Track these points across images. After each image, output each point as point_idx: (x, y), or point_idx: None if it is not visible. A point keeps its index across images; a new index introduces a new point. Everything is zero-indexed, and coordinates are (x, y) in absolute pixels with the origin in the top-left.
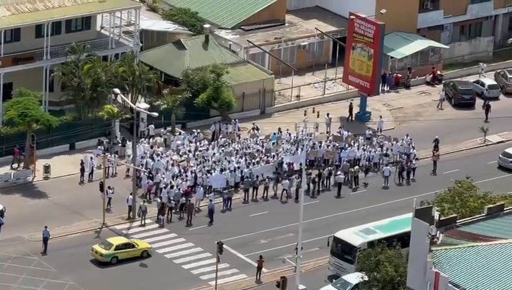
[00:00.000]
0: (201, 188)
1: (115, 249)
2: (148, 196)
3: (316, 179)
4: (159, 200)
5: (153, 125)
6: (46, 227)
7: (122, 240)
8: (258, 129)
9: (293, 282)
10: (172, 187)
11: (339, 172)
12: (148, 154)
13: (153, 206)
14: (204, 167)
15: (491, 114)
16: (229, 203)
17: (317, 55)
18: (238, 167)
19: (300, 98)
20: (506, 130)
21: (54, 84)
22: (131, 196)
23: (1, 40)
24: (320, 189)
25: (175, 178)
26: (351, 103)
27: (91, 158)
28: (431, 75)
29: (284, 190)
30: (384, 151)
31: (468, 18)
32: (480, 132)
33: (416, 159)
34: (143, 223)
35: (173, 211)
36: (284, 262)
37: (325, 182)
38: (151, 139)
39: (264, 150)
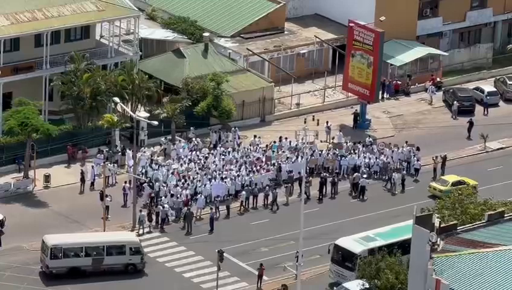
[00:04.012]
0: (202, 197)
1: (451, 185)
2: (150, 204)
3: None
4: (161, 208)
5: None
6: None
7: (455, 177)
8: (259, 138)
9: None
10: (172, 196)
11: (365, 175)
12: (147, 164)
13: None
14: (205, 174)
15: (488, 120)
16: (223, 211)
17: (317, 63)
18: (238, 175)
19: (300, 106)
20: (506, 137)
21: (54, 93)
22: (127, 185)
23: (0, 49)
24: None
25: (175, 187)
26: (355, 110)
27: (92, 167)
28: (430, 82)
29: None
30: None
31: (468, 25)
32: (480, 139)
33: (417, 159)
34: (142, 232)
35: (158, 215)
36: (285, 270)
37: (326, 189)
38: (151, 148)
39: (264, 158)
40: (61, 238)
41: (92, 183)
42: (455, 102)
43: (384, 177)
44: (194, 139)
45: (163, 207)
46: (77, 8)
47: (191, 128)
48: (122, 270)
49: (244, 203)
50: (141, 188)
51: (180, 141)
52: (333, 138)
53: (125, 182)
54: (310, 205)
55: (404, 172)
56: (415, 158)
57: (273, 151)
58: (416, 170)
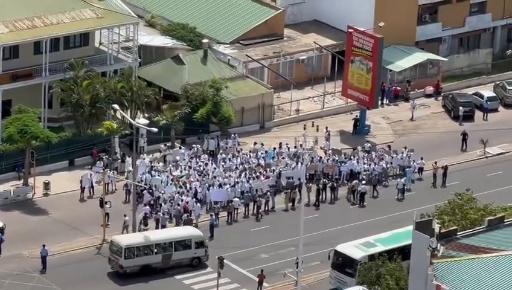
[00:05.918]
0: (198, 204)
1: None
2: (150, 211)
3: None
4: (161, 215)
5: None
6: (44, 246)
7: None
8: (262, 144)
9: None
10: (171, 202)
11: (364, 182)
12: (147, 170)
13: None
14: (204, 182)
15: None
16: (229, 217)
17: (316, 69)
18: (238, 182)
19: (299, 112)
20: (505, 142)
21: (53, 100)
22: (128, 180)
23: (0, 57)
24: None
25: (175, 194)
26: (356, 116)
27: (90, 175)
28: (431, 88)
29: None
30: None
31: (467, 30)
32: (480, 144)
33: (421, 158)
34: None
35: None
36: (285, 276)
37: (326, 195)
38: (150, 155)
39: (264, 165)
40: (131, 238)
41: (91, 189)
42: (461, 107)
43: (384, 182)
44: (194, 145)
45: (164, 214)
46: (76, 16)
47: (207, 135)
48: (188, 264)
49: (243, 211)
50: (141, 194)
51: (180, 147)
52: (316, 141)
53: (127, 178)
54: (309, 211)
55: (405, 178)
56: (415, 163)
57: (273, 157)
58: (421, 169)
